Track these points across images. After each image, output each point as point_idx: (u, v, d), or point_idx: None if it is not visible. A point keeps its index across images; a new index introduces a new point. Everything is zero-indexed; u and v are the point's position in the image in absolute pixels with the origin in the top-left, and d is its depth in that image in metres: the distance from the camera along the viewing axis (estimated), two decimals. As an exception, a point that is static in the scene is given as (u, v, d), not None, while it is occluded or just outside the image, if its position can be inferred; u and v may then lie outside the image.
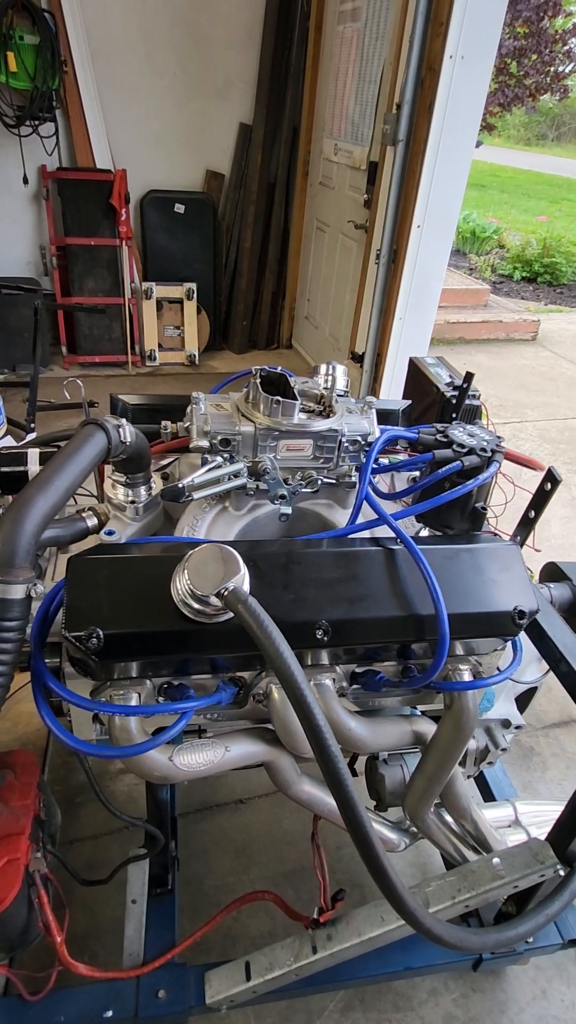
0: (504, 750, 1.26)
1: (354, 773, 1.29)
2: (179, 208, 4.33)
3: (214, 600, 0.79)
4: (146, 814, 1.55)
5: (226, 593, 0.77)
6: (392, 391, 3.44)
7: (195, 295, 4.37)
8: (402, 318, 3.27)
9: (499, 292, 7.15)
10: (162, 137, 4.23)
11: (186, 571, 0.79)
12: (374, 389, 3.51)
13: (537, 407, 4.63)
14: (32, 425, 3.46)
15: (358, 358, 3.59)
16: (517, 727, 1.28)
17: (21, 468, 1.22)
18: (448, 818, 1.23)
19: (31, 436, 3.41)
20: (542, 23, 12.95)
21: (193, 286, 4.35)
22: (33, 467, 1.23)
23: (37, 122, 3.71)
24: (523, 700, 1.44)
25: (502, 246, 8.72)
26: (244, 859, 1.76)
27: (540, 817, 1.35)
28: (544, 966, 1.59)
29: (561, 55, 13.93)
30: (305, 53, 4.01)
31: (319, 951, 1.18)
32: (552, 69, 14.12)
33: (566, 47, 13.76)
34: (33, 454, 1.24)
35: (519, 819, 1.35)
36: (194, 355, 4.49)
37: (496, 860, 1.12)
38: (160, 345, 4.45)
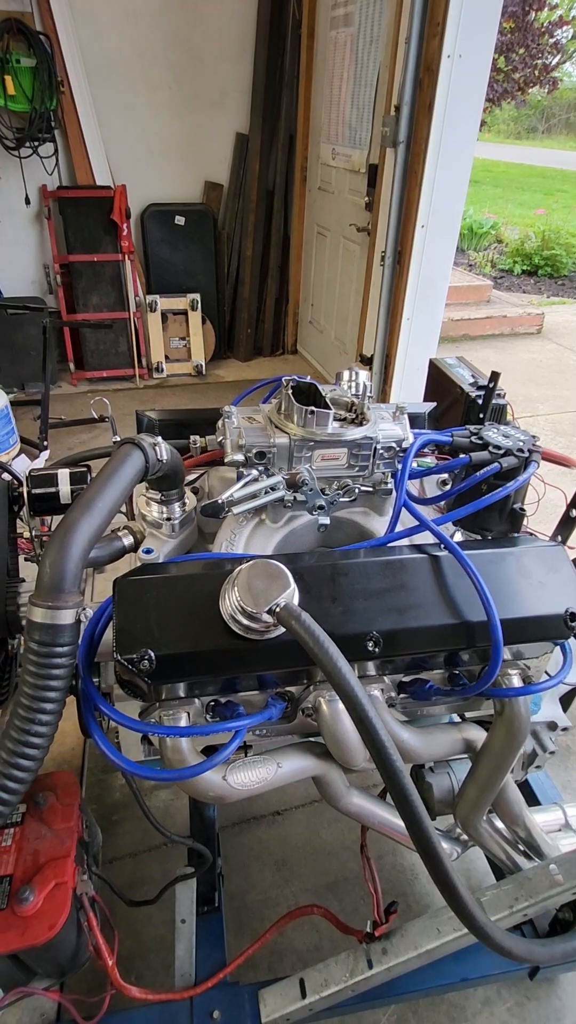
0: (552, 753, 1.24)
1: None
2: (179, 220, 4.35)
3: (265, 617, 0.78)
4: (188, 830, 1.54)
5: (278, 609, 0.76)
6: (403, 393, 3.43)
7: (199, 305, 4.39)
8: (410, 318, 3.26)
9: (500, 287, 7.13)
10: (160, 151, 4.25)
11: (236, 588, 0.78)
12: (385, 391, 3.49)
13: (547, 400, 4.61)
14: (45, 443, 3.47)
15: (367, 360, 3.58)
16: (564, 729, 1.26)
17: (52, 489, 1.22)
18: (499, 825, 1.21)
19: (44, 454, 3.42)
20: (528, 17, 12.97)
21: (197, 297, 4.36)
22: (64, 488, 1.22)
23: (37, 143, 3.74)
24: (565, 701, 1.42)
25: (500, 241, 8.70)
26: (285, 872, 1.74)
27: (591, 819, 1.33)
28: (599, 971, 1.56)
29: (548, 48, 13.94)
30: (298, 60, 4.02)
31: (375, 966, 1.16)
32: (540, 62, 14.13)
33: (553, 39, 13.77)
34: (63, 474, 1.23)
35: (569, 822, 1.33)
36: (201, 365, 4.49)
37: (553, 867, 1.10)
38: (167, 357, 4.46)
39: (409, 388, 3.42)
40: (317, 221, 4.30)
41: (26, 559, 1.35)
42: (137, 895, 1.35)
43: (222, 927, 1.36)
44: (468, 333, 5.73)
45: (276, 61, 4.08)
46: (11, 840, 1.27)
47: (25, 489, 1.20)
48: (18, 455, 3.52)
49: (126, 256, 4.11)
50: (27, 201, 4.00)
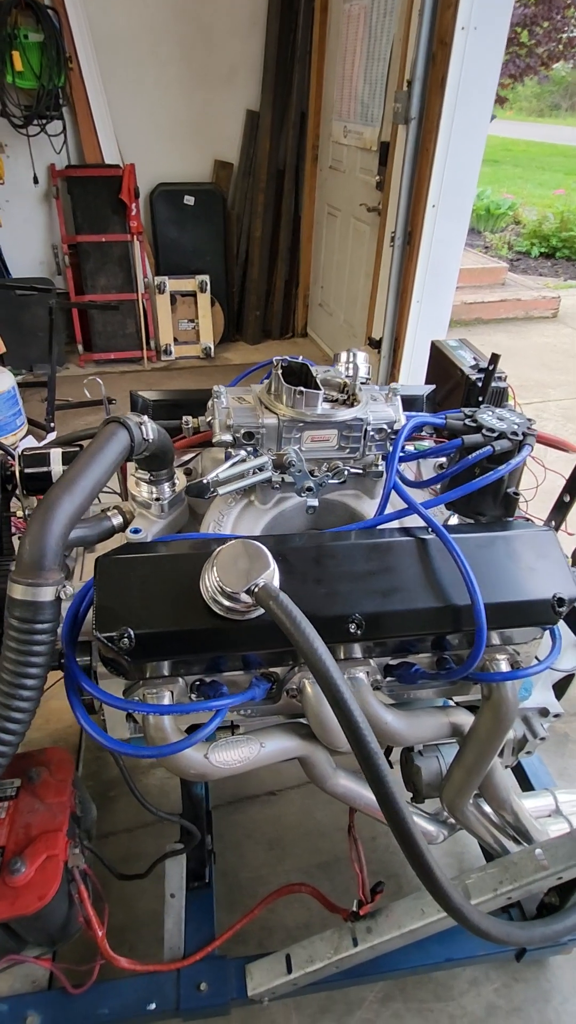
0: (543, 739, 1.23)
1: (389, 764, 1.28)
2: (188, 200, 4.30)
3: (244, 597, 0.77)
4: (180, 808, 1.56)
5: (256, 589, 0.76)
6: (412, 376, 3.39)
7: (208, 287, 4.35)
8: (419, 301, 3.21)
9: (516, 270, 6.99)
10: (169, 129, 4.20)
11: (215, 568, 0.78)
12: (393, 375, 3.46)
13: (559, 386, 4.53)
14: (52, 424, 3.48)
15: (375, 344, 3.54)
16: (556, 715, 1.25)
17: (44, 468, 1.22)
18: (487, 809, 1.21)
19: (51, 436, 3.44)
20: (553, -12, 12.54)
21: (206, 278, 4.33)
22: (56, 467, 1.22)
23: (44, 121, 3.71)
24: (560, 688, 1.41)
25: (518, 222, 8.51)
26: (278, 851, 1.76)
27: (581, 806, 1.32)
28: (586, 955, 1.57)
29: (574, 20, 13.49)
30: (311, 35, 3.93)
31: (359, 944, 1.17)
32: (565, 35, 13.67)
33: (578, 12, 13.32)
34: (56, 454, 1.23)
35: (560, 808, 1.32)
36: (209, 348, 4.47)
37: (539, 851, 1.10)
38: (175, 339, 4.44)
39: (418, 372, 3.37)
40: (328, 201, 4.23)
41: (19, 538, 1.36)
42: (131, 870, 1.37)
43: (212, 903, 1.38)
44: (481, 317, 5.64)
45: (288, 36, 3.99)
46: (4, 813, 1.29)
47: (18, 468, 1.20)
48: (25, 436, 3.54)
49: (135, 236, 4.08)
50: (35, 180, 3.98)
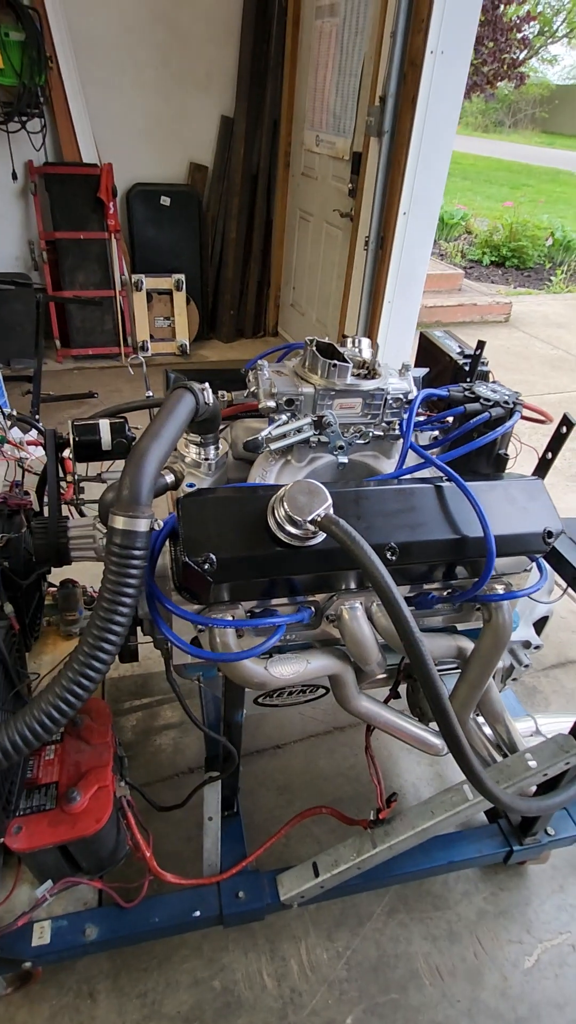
0: (527, 666, 1.46)
1: (396, 695, 1.48)
2: (165, 200, 4.42)
3: (308, 525, 0.95)
4: (196, 763, 1.70)
5: (320, 519, 0.94)
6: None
7: (184, 286, 4.48)
8: (391, 301, 3.45)
9: (470, 276, 7.39)
10: (146, 131, 4.32)
11: (285, 502, 0.95)
12: (366, 370, 3.67)
13: (515, 385, 4.82)
14: (37, 417, 3.55)
15: (349, 341, 3.76)
16: (536, 647, 1.48)
17: (95, 437, 1.36)
18: (484, 729, 1.43)
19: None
20: (497, 11, 13.20)
21: (182, 277, 4.46)
22: (105, 436, 1.37)
23: (24, 118, 3.77)
24: (536, 630, 1.64)
25: (470, 232, 8.97)
26: (288, 795, 1.93)
27: (558, 726, 1.55)
28: (560, 866, 1.80)
29: (516, 43, 14.20)
30: (283, 47, 4.13)
31: (378, 845, 1.36)
32: (508, 57, 14.38)
33: (520, 34, 14.05)
34: (104, 424, 1.38)
35: (539, 729, 1.55)
36: (185, 345, 4.60)
37: (528, 755, 1.32)
38: (152, 336, 4.55)
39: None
40: (300, 206, 4.44)
41: (66, 503, 1.49)
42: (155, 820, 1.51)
43: (241, 827, 1.54)
44: (441, 320, 5.97)
45: (261, 47, 4.18)
46: (53, 755, 1.43)
47: (71, 437, 1.34)
48: (12, 427, 3.59)
49: (112, 234, 4.17)
50: (14, 176, 4.03)
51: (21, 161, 4.01)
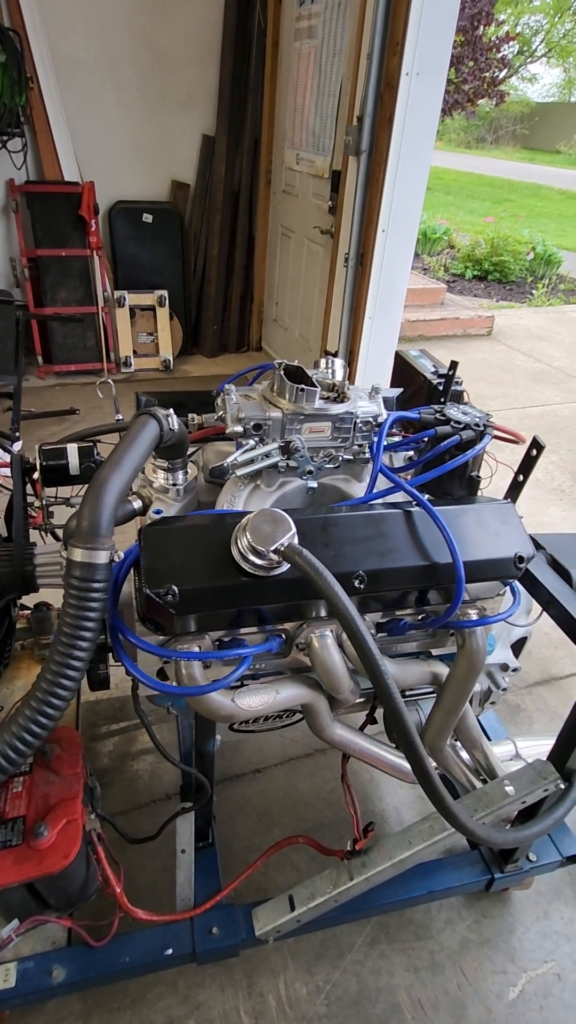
0: (504, 690, 1.44)
1: (373, 720, 1.45)
2: (147, 218, 4.43)
3: (272, 555, 0.93)
4: (174, 788, 1.67)
5: (283, 548, 0.92)
6: (367, 385, 3.62)
7: (167, 302, 4.48)
8: (372, 317, 3.46)
9: (453, 290, 7.46)
10: (128, 149, 4.33)
11: (247, 532, 0.93)
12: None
13: (497, 398, 4.91)
14: (17, 434, 3.51)
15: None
16: (514, 670, 1.46)
17: (62, 462, 1.34)
18: (463, 755, 1.40)
19: (17, 445, 3.47)
20: (477, 31, 13.50)
21: (164, 293, 4.46)
22: (73, 460, 1.34)
23: (6, 137, 3.77)
24: (514, 651, 1.62)
25: (452, 246, 9.08)
26: (267, 821, 1.89)
27: (537, 750, 1.54)
28: (544, 891, 1.78)
29: (496, 62, 14.53)
30: (263, 68, 4.17)
31: (355, 877, 1.33)
32: (488, 75, 14.70)
33: (500, 54, 14.38)
34: (72, 449, 1.35)
35: (519, 753, 1.53)
36: (168, 360, 4.59)
37: (506, 782, 1.30)
38: (135, 352, 4.54)
39: (372, 381, 3.61)
40: (282, 223, 4.46)
41: (34, 528, 1.46)
42: (129, 848, 1.47)
43: (216, 859, 1.50)
44: (424, 333, 6.01)
45: (241, 67, 4.22)
46: (21, 787, 1.39)
47: (38, 462, 1.31)
48: (-9, 445, 3.55)
49: (94, 252, 4.17)
50: (-6, 194, 4.02)
51: (2, 179, 4.00)
